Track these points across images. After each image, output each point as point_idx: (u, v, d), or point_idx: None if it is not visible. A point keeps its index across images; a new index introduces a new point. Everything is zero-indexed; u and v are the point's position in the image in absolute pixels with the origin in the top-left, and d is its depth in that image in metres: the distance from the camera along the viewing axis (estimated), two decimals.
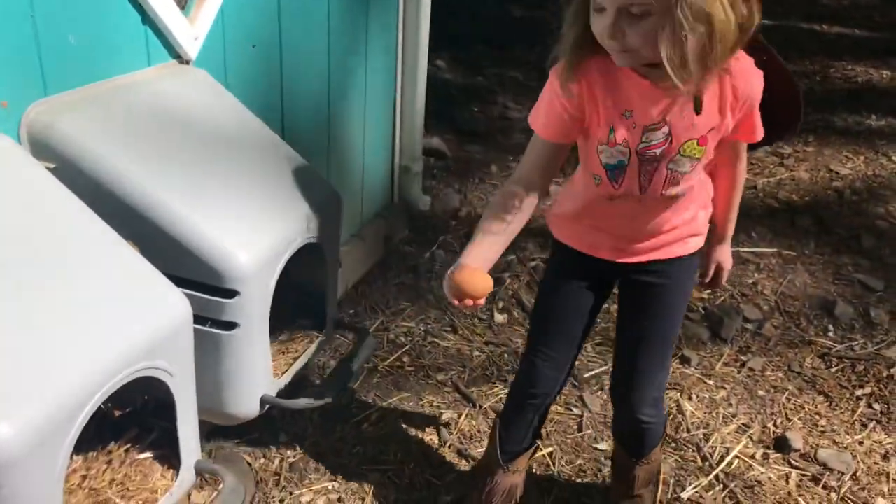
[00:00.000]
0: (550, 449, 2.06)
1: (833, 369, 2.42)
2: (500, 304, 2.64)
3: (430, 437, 2.10)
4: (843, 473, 2.02)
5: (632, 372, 1.60)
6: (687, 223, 1.49)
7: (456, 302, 1.36)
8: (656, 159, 1.36)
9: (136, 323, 1.21)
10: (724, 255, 1.65)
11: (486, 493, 1.73)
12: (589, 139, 1.38)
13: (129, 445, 1.37)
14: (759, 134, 1.40)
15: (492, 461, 1.73)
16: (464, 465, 2.00)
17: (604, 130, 1.35)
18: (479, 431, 2.12)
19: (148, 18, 1.59)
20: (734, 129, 1.37)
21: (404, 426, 2.13)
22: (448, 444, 2.07)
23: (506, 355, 2.41)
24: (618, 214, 1.45)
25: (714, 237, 1.62)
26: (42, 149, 1.38)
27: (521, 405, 1.68)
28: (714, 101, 1.32)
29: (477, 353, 2.43)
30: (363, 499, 1.90)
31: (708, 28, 1.16)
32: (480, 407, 2.20)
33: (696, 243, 1.54)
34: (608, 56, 1.27)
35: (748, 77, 1.32)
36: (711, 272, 1.66)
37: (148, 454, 1.37)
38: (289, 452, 2.01)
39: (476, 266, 1.36)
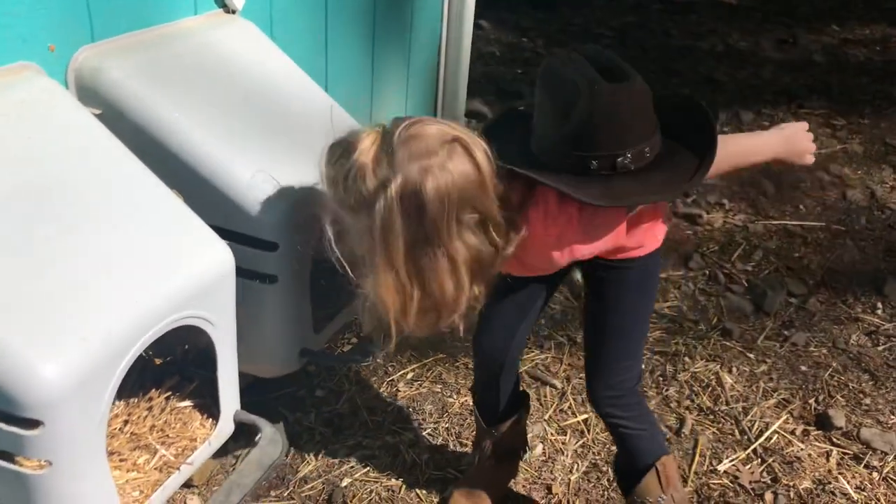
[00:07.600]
0: (585, 416, 2.05)
1: (880, 348, 2.35)
2: None
3: (464, 398, 2.09)
4: (886, 454, 1.97)
5: (590, 361, 1.57)
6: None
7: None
8: None
9: (180, 271, 1.21)
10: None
11: (479, 458, 1.75)
12: None
13: (169, 393, 1.38)
14: None
15: (480, 430, 1.75)
16: None
17: None
18: None
19: None
20: None
21: (439, 387, 2.13)
22: None
23: (542, 320, 2.39)
24: None
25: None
26: (89, 94, 1.37)
27: (481, 375, 1.71)
28: None
29: None
30: (395, 456, 1.91)
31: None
32: None
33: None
34: None
35: None
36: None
37: (188, 402, 1.38)
38: (324, 408, 2.03)
39: None
